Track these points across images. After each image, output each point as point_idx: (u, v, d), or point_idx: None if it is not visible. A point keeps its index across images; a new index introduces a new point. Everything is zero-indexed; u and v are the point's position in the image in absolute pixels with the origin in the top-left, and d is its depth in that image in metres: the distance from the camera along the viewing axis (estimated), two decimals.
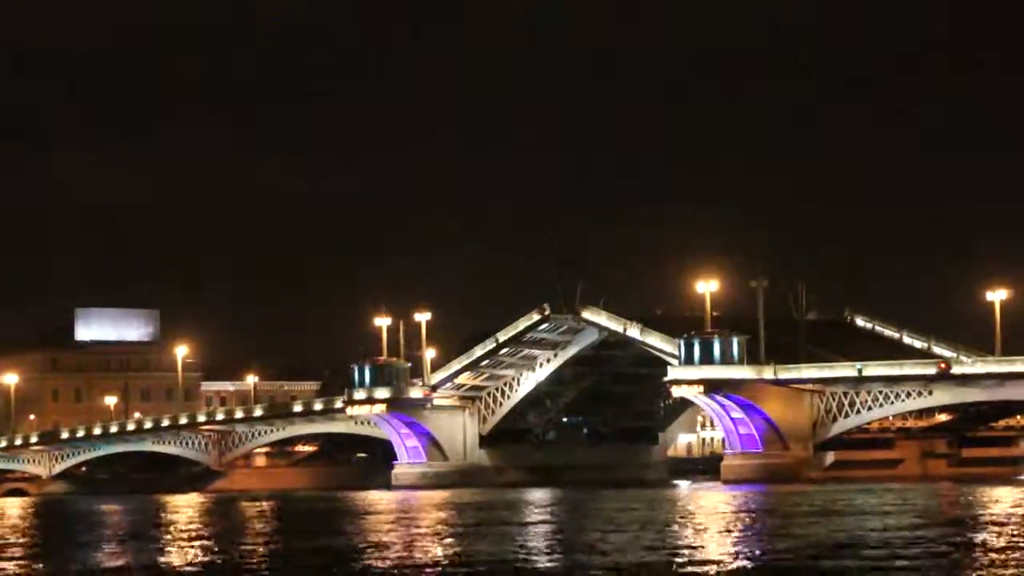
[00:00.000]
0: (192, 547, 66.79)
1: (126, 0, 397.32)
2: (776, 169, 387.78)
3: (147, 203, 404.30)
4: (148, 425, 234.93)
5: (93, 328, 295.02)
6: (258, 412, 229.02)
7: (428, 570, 47.82)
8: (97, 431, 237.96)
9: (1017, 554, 49.81)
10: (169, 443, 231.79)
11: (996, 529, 65.85)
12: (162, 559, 56.53)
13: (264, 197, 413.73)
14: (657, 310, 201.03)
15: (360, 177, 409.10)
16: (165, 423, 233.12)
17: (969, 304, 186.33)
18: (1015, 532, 63.06)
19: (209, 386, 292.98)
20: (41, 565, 57.60)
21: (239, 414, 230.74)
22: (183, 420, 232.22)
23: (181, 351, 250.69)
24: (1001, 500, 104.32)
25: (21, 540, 79.11)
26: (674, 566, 46.95)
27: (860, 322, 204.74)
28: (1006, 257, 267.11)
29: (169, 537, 76.81)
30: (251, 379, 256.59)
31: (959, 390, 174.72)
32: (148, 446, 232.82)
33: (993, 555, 49.84)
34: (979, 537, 60.57)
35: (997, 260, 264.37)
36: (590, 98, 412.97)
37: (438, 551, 58.08)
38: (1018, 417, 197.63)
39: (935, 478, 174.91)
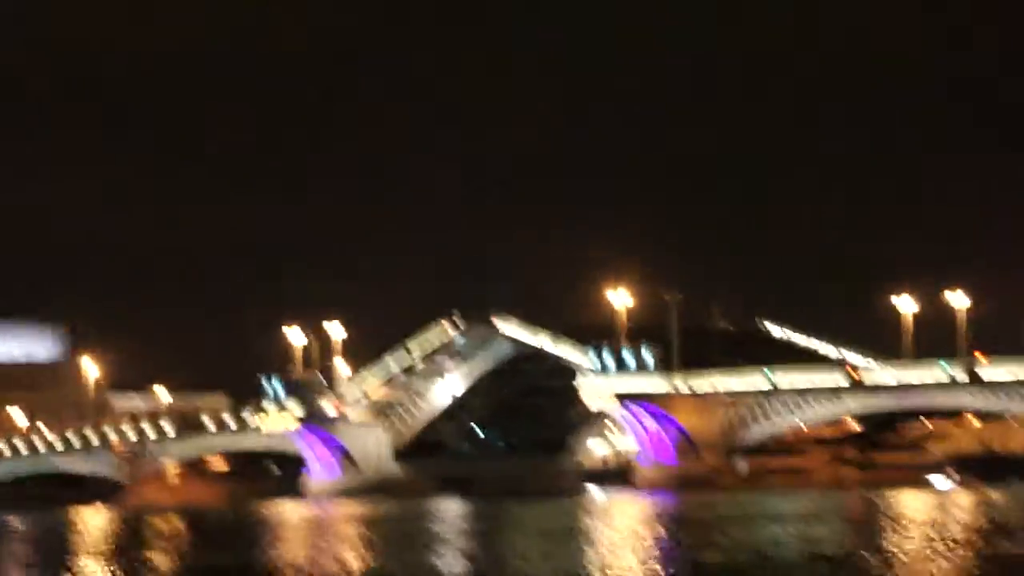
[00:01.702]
0: (100, 564, 65.96)
1: None
2: (691, 180, 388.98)
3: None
4: (58, 445, 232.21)
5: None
6: (169, 429, 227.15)
7: None
8: (6, 452, 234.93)
9: (931, 560, 50.14)
10: (80, 462, 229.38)
11: (906, 534, 66.34)
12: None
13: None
14: (569, 320, 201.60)
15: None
16: (76, 442, 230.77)
17: (880, 311, 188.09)
18: (927, 536, 63.58)
19: (119, 401, 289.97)
20: None
21: (150, 432, 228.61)
22: (94, 440, 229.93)
23: (92, 369, 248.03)
24: (909, 506, 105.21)
25: None
26: None
27: (773, 331, 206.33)
28: (917, 263, 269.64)
29: (77, 554, 75.83)
30: (160, 390, 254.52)
31: (869, 398, 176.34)
32: (58, 464, 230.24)
33: (902, 560, 50.12)
34: (888, 542, 60.95)
35: (908, 266, 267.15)
36: (487, 99, 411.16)
37: (350, 564, 57.71)
38: (927, 422, 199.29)
39: (846, 485, 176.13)
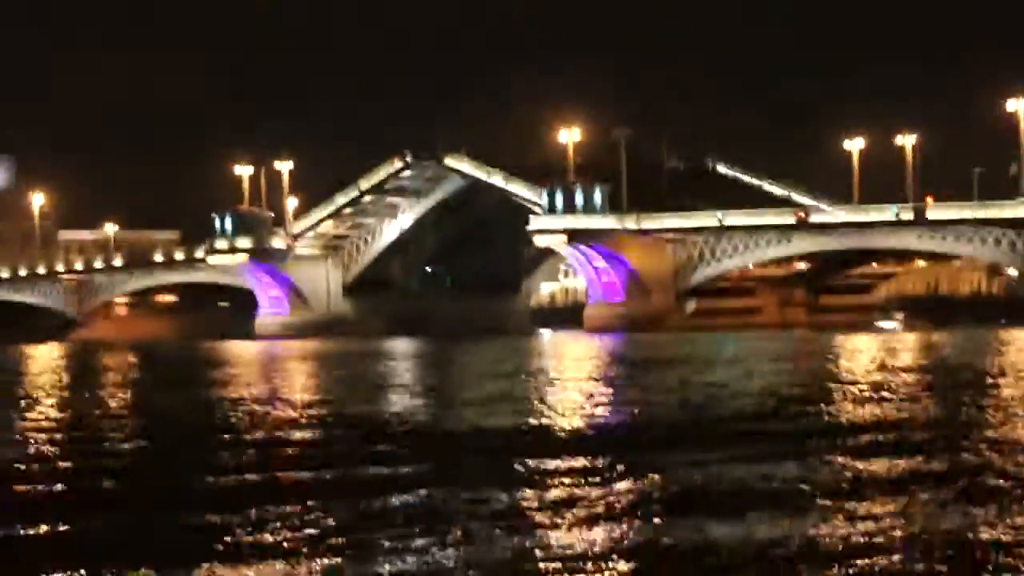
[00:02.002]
0: (50, 399, 66.10)
1: None
2: (640, 21, 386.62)
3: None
4: (4, 274, 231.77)
5: None
6: (118, 261, 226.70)
7: (293, 423, 47.69)
8: None
9: (872, 399, 50.79)
10: (27, 292, 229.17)
11: (850, 374, 67.14)
12: (17, 413, 55.82)
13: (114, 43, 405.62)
14: (520, 157, 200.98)
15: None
16: (22, 272, 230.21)
17: (829, 152, 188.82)
18: (870, 376, 64.35)
19: (67, 235, 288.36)
20: None
21: (98, 263, 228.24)
22: (41, 269, 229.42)
23: (38, 199, 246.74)
24: (855, 347, 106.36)
25: None
26: (533, 418, 47.27)
27: (722, 170, 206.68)
28: (866, 107, 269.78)
29: (26, 390, 75.94)
30: (110, 228, 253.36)
31: (818, 238, 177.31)
32: (5, 295, 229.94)
33: (846, 399, 50.76)
34: (833, 383, 61.66)
35: (858, 110, 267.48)
36: None
37: (300, 401, 58.05)
38: (875, 264, 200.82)
39: (794, 325, 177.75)
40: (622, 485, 28.87)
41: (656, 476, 29.90)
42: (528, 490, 28.31)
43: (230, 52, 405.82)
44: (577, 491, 28.11)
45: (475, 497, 27.19)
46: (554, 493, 27.94)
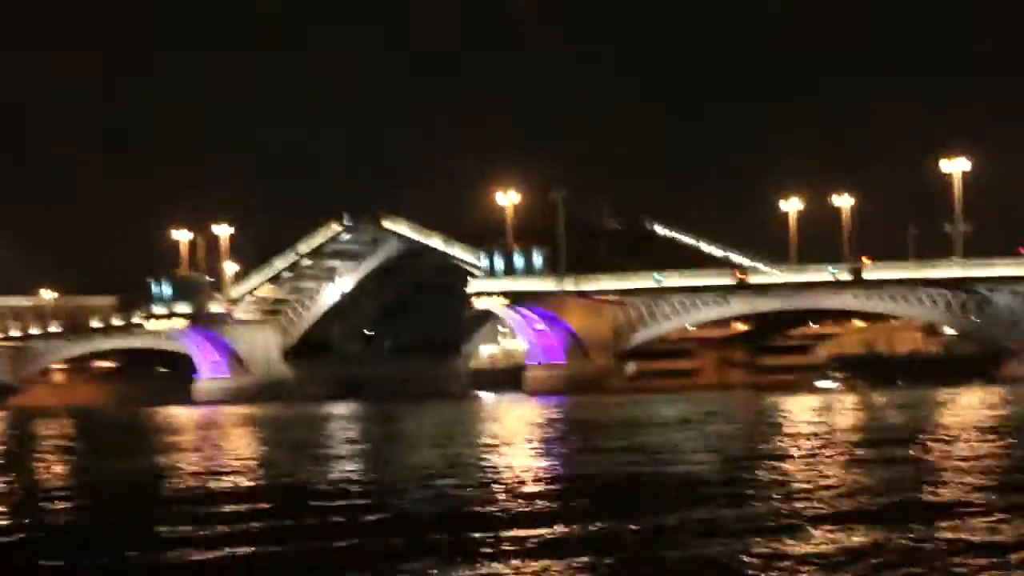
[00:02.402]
0: None
1: None
2: (582, 81, 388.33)
3: None
4: None
5: None
6: (55, 328, 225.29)
7: (233, 494, 47.25)
8: None
9: (816, 460, 50.80)
10: None
11: (792, 434, 67.19)
12: None
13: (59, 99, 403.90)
14: (459, 220, 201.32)
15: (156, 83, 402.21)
16: None
17: (766, 213, 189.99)
18: (812, 436, 64.40)
19: (2, 301, 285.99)
20: None
21: (35, 330, 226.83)
22: None
23: None
24: (795, 407, 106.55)
25: None
26: (480, 481, 47.02)
27: (660, 230, 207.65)
28: (803, 165, 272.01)
29: None
30: (46, 294, 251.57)
31: (756, 299, 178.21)
32: None
33: (789, 460, 50.78)
34: (774, 443, 61.68)
35: (794, 169, 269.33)
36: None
37: (242, 467, 57.54)
38: (813, 325, 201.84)
39: (733, 386, 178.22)
40: (572, 558, 28.62)
41: (607, 547, 29.69)
42: (471, 565, 28.00)
43: (171, 116, 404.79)
44: (525, 565, 27.85)
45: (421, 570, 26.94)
46: (498, 567, 27.67)
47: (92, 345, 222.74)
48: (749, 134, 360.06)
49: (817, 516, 34.41)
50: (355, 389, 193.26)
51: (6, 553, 30.74)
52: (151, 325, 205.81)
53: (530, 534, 31.44)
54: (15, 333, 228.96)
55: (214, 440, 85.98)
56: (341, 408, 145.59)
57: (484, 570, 27.15)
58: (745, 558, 27.98)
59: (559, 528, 32.56)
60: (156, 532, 35.13)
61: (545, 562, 26.96)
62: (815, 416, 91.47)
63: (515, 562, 27.46)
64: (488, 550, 29.57)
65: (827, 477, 45.18)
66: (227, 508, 41.01)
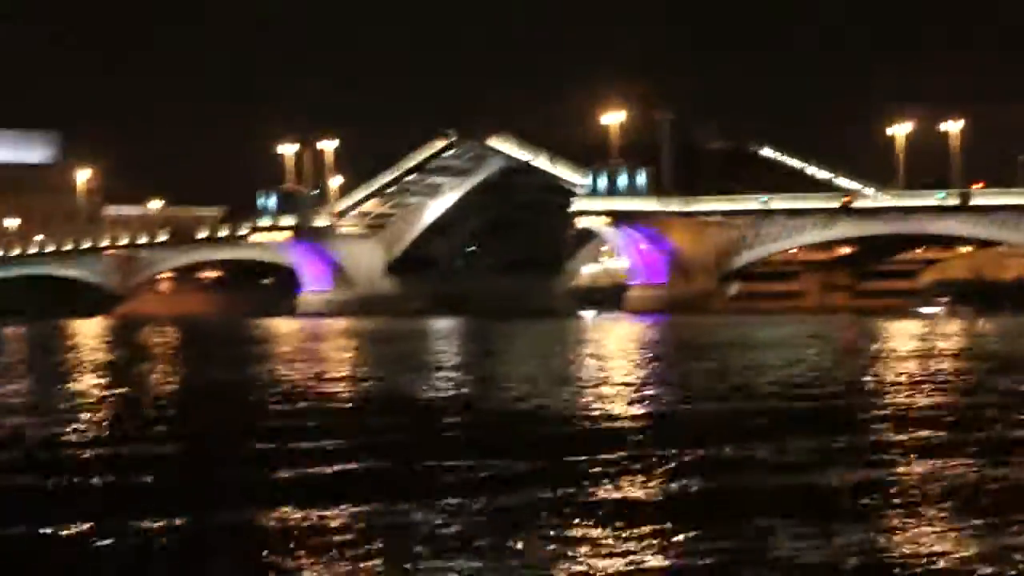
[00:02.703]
0: (95, 375, 66.40)
1: None
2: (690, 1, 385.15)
3: (46, 22, 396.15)
4: (51, 249, 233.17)
5: None
6: (162, 237, 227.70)
7: (336, 400, 47.81)
8: None
9: (921, 387, 50.52)
10: (72, 267, 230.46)
11: (894, 360, 66.81)
12: (63, 388, 56.10)
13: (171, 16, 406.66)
14: (564, 138, 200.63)
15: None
16: (68, 247, 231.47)
17: (874, 137, 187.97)
18: (913, 362, 64.02)
19: (112, 210, 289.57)
20: None
21: (143, 239, 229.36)
22: (85, 244, 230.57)
23: (83, 174, 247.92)
24: (898, 332, 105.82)
25: None
26: (582, 396, 47.26)
27: (766, 153, 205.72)
28: (912, 89, 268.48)
29: (72, 364, 76.32)
30: (155, 204, 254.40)
31: (861, 223, 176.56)
32: (51, 270, 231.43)
33: (889, 386, 50.54)
34: (876, 368, 61.38)
35: (903, 92, 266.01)
36: None
37: (342, 379, 58.13)
38: (918, 250, 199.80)
39: (836, 309, 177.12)
40: (667, 476, 28.73)
41: (702, 466, 29.76)
42: (572, 482, 28.13)
43: (280, 30, 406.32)
44: (621, 484, 27.98)
45: (524, 490, 27.13)
46: (601, 485, 27.80)
47: (198, 255, 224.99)
48: (861, 57, 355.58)
49: (913, 446, 34.20)
50: (457, 305, 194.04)
51: (98, 465, 31.02)
52: (256, 237, 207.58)
53: (622, 456, 31.47)
54: (123, 242, 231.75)
55: (316, 352, 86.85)
56: (442, 323, 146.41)
57: (576, 493, 27.13)
58: (836, 485, 27.92)
59: (651, 452, 32.47)
60: (253, 445, 35.53)
61: (635, 488, 26.87)
62: (917, 342, 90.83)
63: (608, 486, 27.44)
64: (582, 472, 29.69)
65: (925, 405, 44.92)
66: (325, 421, 41.36)
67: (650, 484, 27.54)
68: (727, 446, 33.18)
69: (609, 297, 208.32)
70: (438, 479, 27.92)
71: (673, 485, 27.39)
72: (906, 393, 49.10)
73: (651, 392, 50.79)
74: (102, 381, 59.54)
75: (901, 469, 29.88)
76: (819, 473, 28.85)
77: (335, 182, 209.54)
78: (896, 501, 25.33)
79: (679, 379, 57.46)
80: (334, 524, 22.86)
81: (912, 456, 31.74)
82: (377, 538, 21.53)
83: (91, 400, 48.82)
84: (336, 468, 30.05)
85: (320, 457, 31.76)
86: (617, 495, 26.08)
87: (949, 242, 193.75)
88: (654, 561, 20.37)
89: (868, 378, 56.69)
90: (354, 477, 28.65)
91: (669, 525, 22.79)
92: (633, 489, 26.85)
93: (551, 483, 27.11)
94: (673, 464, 30.09)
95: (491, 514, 23.84)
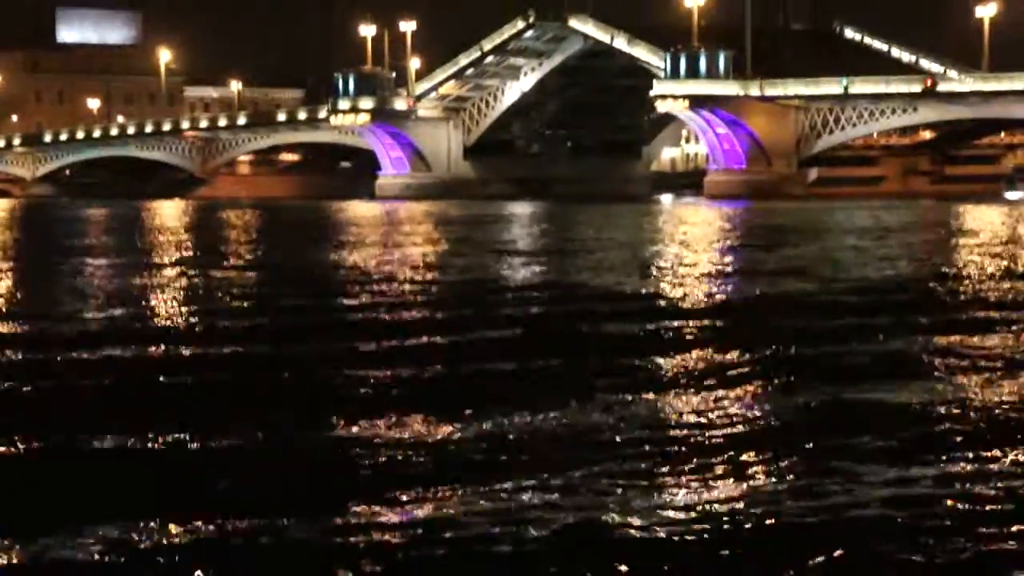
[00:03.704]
0: (179, 258, 67.05)
1: None
2: None
3: None
4: (131, 130, 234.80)
5: (75, 29, 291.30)
6: (242, 120, 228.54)
7: (425, 286, 48.10)
8: (80, 134, 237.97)
9: (1003, 276, 50.17)
10: (153, 149, 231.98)
11: (978, 248, 66.34)
12: (142, 268, 56.72)
13: None
14: (645, 20, 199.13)
15: None
16: (148, 128, 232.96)
17: (960, 18, 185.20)
18: (1000, 254, 63.51)
19: (192, 91, 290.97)
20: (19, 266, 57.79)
21: (223, 121, 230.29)
22: (166, 126, 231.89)
23: (164, 55, 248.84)
24: (982, 218, 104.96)
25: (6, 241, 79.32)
26: (665, 282, 47.32)
27: (849, 34, 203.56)
28: None
29: (151, 247, 77.05)
30: (235, 85, 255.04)
31: (945, 107, 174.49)
32: (131, 151, 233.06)
33: (974, 275, 50.19)
34: (960, 257, 61.01)
35: None
36: None
37: (424, 263, 58.44)
38: (1003, 135, 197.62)
39: (917, 195, 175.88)
40: (751, 351, 28.80)
41: (788, 344, 29.81)
42: (656, 356, 28.37)
43: None
44: (706, 359, 28.16)
45: (604, 365, 27.30)
46: (682, 359, 28.01)
47: (278, 137, 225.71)
48: None
49: (991, 322, 34.27)
50: (536, 189, 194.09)
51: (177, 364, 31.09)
52: (335, 120, 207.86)
53: (701, 356, 31.41)
54: (203, 124, 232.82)
55: (393, 236, 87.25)
56: (522, 207, 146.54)
57: (654, 360, 27.47)
58: (918, 352, 28.10)
59: (730, 348, 32.39)
60: (329, 328, 35.87)
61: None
62: (1000, 228, 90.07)
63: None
64: (659, 343, 29.83)
65: (1005, 291, 44.65)
66: (400, 310, 41.59)
67: (737, 351, 27.69)
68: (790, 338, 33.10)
69: (688, 182, 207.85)
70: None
71: (760, 352, 27.49)
72: (976, 280, 48.78)
73: (723, 285, 50.75)
74: (184, 266, 60.08)
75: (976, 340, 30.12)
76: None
77: (414, 64, 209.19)
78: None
79: (765, 262, 57.34)
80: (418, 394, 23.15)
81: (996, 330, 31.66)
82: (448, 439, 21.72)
83: (174, 288, 49.29)
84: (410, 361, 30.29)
85: (384, 334, 32.06)
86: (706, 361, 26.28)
87: None
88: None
89: (941, 263, 56.42)
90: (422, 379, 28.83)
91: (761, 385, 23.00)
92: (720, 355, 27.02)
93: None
94: (756, 333, 30.14)
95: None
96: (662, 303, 41.12)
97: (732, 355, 28.65)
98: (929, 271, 53.04)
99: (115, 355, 29.50)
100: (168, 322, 36.72)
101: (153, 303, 41.91)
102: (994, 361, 27.93)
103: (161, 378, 26.39)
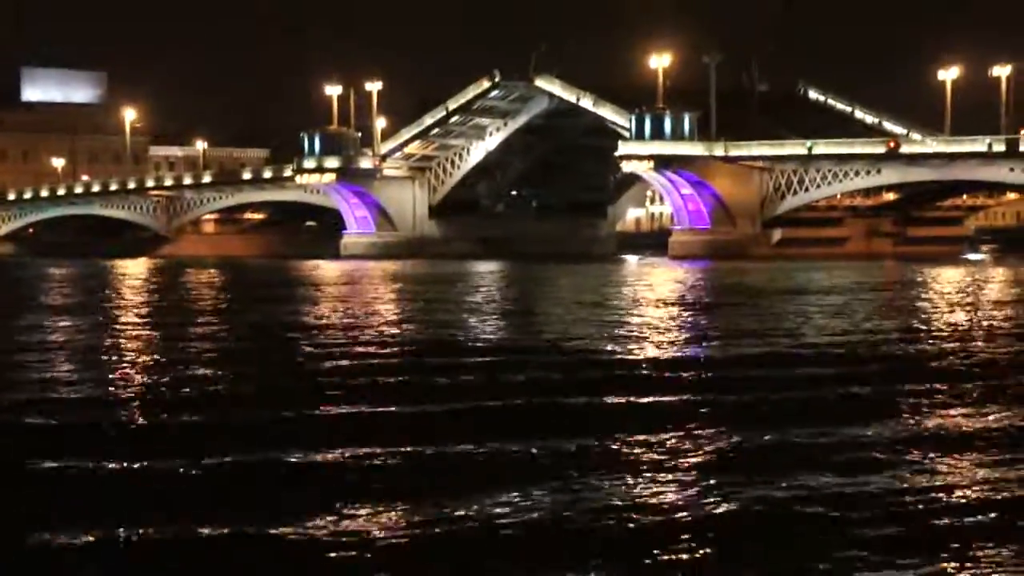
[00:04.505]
0: (141, 316, 66.78)
1: None
2: None
3: None
4: (96, 188, 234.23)
5: (39, 88, 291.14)
6: (207, 178, 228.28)
7: (381, 344, 48.01)
8: (44, 193, 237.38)
9: (962, 332, 50.39)
10: (117, 207, 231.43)
11: (938, 306, 66.63)
12: (110, 326, 56.50)
13: None
14: (610, 80, 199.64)
15: None
16: (113, 187, 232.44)
17: (921, 82, 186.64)
18: (958, 308, 63.82)
19: (157, 150, 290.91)
20: None
21: (188, 180, 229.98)
22: (131, 184, 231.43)
23: (129, 114, 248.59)
24: (942, 278, 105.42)
25: None
26: (621, 340, 47.34)
27: (813, 95, 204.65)
28: (959, 34, 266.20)
29: (117, 304, 76.74)
30: (200, 144, 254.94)
31: (908, 169, 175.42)
32: (96, 209, 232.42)
33: (935, 331, 50.41)
34: (920, 314, 61.24)
35: (951, 37, 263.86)
36: None
37: (387, 320, 58.35)
38: (965, 197, 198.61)
39: (880, 256, 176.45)
40: (703, 424, 28.78)
41: (735, 418, 29.77)
42: (614, 432, 28.25)
43: None
44: (658, 435, 28.08)
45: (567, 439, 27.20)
46: (639, 431, 27.91)
47: (243, 196, 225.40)
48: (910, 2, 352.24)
49: (955, 394, 34.20)
50: (501, 248, 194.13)
51: (139, 408, 31.13)
52: (301, 179, 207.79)
53: (661, 401, 31.42)
54: (168, 182, 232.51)
55: (359, 294, 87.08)
56: (486, 267, 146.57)
57: (612, 443, 27.27)
58: (874, 437, 27.98)
59: (690, 397, 32.50)
60: (293, 387, 35.78)
61: (671, 436, 26.80)
62: (960, 289, 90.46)
63: (640, 436, 27.40)
64: (618, 417, 29.79)
65: (966, 352, 44.80)
66: (365, 362, 41.54)
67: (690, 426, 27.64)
68: (752, 392, 33.11)
69: (653, 242, 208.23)
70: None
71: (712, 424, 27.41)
72: (938, 340, 48.93)
73: (685, 342, 50.78)
74: (146, 324, 59.81)
75: (936, 420, 29.92)
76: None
77: (379, 124, 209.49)
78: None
79: (725, 324, 57.41)
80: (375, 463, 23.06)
81: (951, 407, 31.71)
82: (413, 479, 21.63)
83: (141, 344, 49.07)
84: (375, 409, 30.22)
85: (348, 396, 32.03)
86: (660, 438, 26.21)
87: (995, 189, 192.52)
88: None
89: (904, 324, 56.57)
90: (389, 421, 28.79)
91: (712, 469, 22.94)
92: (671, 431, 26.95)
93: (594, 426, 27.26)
94: (709, 406, 30.12)
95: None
96: (618, 369, 40.98)
97: (695, 430, 28.48)
98: (885, 333, 53.12)
99: (70, 422, 29.35)
100: (122, 386, 36.50)
101: (106, 365, 41.66)
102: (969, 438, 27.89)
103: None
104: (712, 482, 22.64)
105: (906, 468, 23.60)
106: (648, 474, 23.38)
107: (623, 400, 32.49)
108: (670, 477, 23.09)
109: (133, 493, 21.38)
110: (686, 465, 24.20)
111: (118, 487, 21.74)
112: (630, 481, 22.78)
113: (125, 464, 23.64)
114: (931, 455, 25.16)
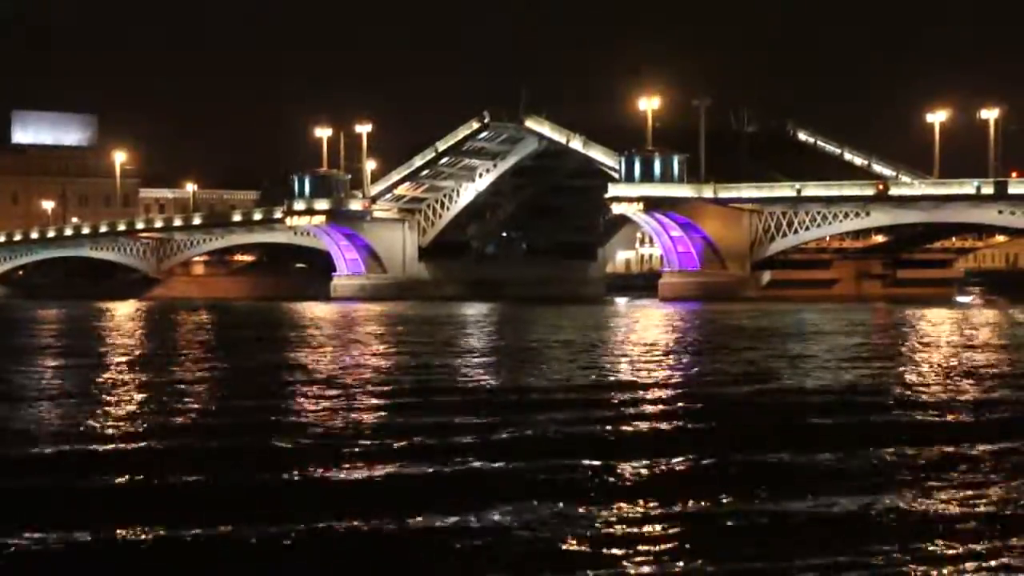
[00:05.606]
0: (131, 359, 66.71)
1: None
2: None
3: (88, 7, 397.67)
4: (86, 230, 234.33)
5: (30, 131, 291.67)
6: (197, 220, 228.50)
7: (375, 385, 47.97)
8: (35, 235, 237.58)
9: (952, 375, 50.43)
10: (107, 249, 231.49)
11: (927, 348, 66.71)
12: (99, 370, 56.44)
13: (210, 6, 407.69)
14: (600, 122, 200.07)
15: None
16: (103, 229, 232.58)
17: (911, 125, 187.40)
18: (947, 350, 63.88)
19: (148, 193, 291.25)
20: None
21: (178, 222, 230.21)
22: (121, 226, 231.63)
23: (119, 156, 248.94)
24: (931, 320, 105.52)
25: None
26: (609, 383, 47.33)
27: (802, 137, 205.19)
28: (950, 78, 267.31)
29: (107, 347, 76.65)
30: (190, 187, 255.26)
31: (897, 211, 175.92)
32: (86, 252, 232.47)
33: (924, 374, 50.46)
34: (910, 357, 61.30)
35: (941, 80, 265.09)
36: None
37: (379, 363, 58.34)
38: (954, 239, 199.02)
39: (869, 298, 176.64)
40: (689, 464, 28.77)
41: (734, 458, 29.79)
42: (596, 463, 28.28)
43: (310, 14, 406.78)
44: (648, 473, 28.10)
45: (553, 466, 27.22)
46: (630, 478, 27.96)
47: (233, 238, 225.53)
48: (900, 42, 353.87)
49: (944, 426, 34.27)
50: (491, 290, 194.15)
51: (123, 458, 31.02)
52: (290, 221, 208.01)
53: (650, 463, 31.38)
54: (158, 224, 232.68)
55: (348, 337, 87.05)
56: (476, 309, 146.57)
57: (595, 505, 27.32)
58: (858, 465, 28.03)
59: (680, 450, 32.49)
60: (281, 439, 35.73)
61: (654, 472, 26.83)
62: (950, 330, 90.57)
63: (630, 495, 27.39)
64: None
65: (957, 392, 44.86)
66: (357, 404, 41.53)
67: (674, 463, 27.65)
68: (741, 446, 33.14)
69: (643, 284, 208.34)
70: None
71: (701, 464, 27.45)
72: (929, 380, 48.99)
73: (673, 386, 50.82)
74: (138, 367, 59.77)
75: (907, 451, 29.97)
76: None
77: (369, 165, 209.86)
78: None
79: (716, 367, 57.46)
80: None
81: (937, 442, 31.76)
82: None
83: (129, 388, 49.00)
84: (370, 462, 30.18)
85: (337, 446, 32.00)
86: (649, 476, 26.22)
87: (984, 231, 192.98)
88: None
89: (895, 365, 56.65)
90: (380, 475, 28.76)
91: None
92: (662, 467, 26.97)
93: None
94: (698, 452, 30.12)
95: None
96: (605, 409, 40.98)
97: (679, 465, 28.56)
98: (874, 377, 53.16)
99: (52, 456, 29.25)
100: (110, 428, 36.43)
101: (93, 407, 41.56)
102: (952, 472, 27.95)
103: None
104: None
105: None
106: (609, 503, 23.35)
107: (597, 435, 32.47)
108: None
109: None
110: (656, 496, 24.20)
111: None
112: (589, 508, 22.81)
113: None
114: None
